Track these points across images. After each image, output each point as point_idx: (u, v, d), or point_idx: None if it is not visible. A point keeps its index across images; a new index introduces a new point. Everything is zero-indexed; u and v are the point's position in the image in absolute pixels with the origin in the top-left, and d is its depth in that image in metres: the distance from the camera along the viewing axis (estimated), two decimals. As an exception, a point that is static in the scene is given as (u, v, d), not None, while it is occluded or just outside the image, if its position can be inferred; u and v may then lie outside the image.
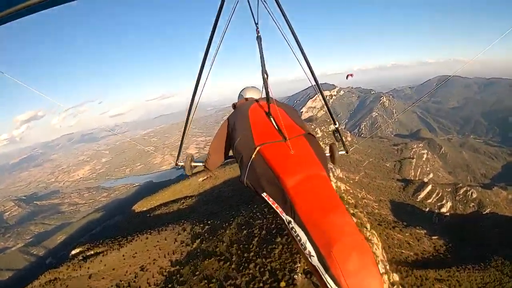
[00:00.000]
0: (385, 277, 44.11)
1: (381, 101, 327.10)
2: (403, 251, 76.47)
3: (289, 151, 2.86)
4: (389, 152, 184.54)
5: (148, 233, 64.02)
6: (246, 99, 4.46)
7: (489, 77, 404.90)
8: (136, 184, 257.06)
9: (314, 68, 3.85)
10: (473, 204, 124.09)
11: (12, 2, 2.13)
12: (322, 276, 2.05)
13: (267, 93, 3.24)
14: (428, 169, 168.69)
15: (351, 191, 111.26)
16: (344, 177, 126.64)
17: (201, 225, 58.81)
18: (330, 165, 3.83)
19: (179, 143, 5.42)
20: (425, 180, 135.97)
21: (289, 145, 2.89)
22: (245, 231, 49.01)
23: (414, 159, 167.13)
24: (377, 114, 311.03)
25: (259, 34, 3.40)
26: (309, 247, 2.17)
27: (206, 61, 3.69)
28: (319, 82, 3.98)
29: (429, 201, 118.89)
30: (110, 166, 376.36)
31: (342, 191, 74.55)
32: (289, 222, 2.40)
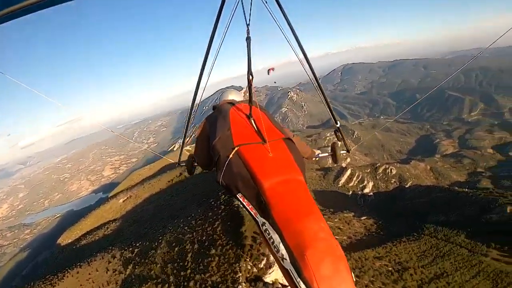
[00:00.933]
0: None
1: (289, 96, 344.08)
2: (336, 237, 71.53)
3: (268, 154, 2.95)
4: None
5: (78, 266, 59.99)
6: (227, 101, 4.40)
7: (393, 59, 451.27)
8: (58, 215, 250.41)
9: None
10: (394, 180, 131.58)
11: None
12: (294, 279, 2.14)
13: (250, 94, 3.34)
14: (344, 154, 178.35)
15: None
16: None
17: (130, 249, 55.00)
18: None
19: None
20: (344, 165, 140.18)
21: (268, 148, 2.99)
22: (176, 248, 45.46)
23: (329, 147, 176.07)
24: (286, 109, 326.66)
25: (249, 35, 3.36)
26: (282, 250, 2.28)
27: (207, 62, 3.90)
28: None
29: (351, 184, 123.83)
30: (28, 201, 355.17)
31: None
32: (263, 224, 2.55)
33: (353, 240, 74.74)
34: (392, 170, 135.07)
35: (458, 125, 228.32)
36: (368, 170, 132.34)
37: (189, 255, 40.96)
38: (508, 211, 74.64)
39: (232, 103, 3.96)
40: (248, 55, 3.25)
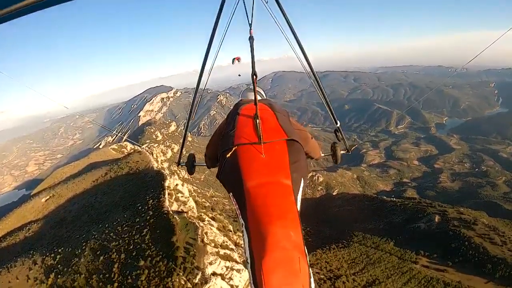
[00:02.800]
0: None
1: (218, 100, 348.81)
2: None
3: (260, 155, 2.90)
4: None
5: (-2, 272, 55.76)
6: (246, 100, 4.34)
7: (323, 70, 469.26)
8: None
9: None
10: (321, 187, 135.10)
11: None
12: (250, 284, 2.17)
13: (255, 94, 3.21)
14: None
15: (199, 190, 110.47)
16: (189, 177, 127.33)
17: (52, 255, 48.59)
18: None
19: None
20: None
21: (262, 149, 2.93)
22: (101, 257, 40.63)
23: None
24: (215, 112, 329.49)
25: (252, 35, 3.40)
26: (247, 253, 2.28)
27: (206, 62, 3.92)
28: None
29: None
30: None
31: (192, 192, 69.95)
32: (242, 225, 2.51)
33: None
34: (319, 178, 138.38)
35: (385, 136, 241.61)
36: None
37: (116, 265, 36.92)
38: (436, 220, 77.98)
39: (246, 102, 3.92)
40: (251, 55, 3.22)
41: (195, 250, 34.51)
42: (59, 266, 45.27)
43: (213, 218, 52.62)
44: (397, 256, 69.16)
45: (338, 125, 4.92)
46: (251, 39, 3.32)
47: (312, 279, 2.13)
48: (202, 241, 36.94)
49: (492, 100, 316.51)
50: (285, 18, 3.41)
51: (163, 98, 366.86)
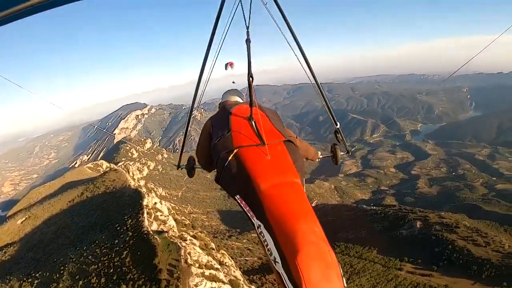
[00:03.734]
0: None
1: (193, 116, 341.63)
2: (246, 258, 76.76)
3: (266, 156, 2.94)
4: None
5: (-27, 300, 52.45)
6: (231, 102, 4.41)
7: (298, 82, 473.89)
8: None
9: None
10: None
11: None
12: (285, 283, 2.14)
13: (250, 96, 3.28)
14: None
15: (177, 207, 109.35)
16: (166, 195, 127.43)
17: (30, 280, 46.58)
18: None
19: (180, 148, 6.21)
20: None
21: (267, 150, 2.97)
22: (80, 282, 38.99)
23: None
24: (190, 128, 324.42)
25: (249, 37, 3.51)
26: (275, 253, 2.26)
27: (206, 63, 3.96)
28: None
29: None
30: None
31: (171, 210, 69.12)
32: (259, 227, 2.50)
33: (263, 261, 73.86)
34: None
35: (361, 146, 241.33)
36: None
37: (97, 291, 35.57)
38: (418, 226, 78.46)
39: (235, 104, 3.94)
40: (248, 57, 3.28)
41: (179, 272, 33.37)
42: (37, 291, 43.53)
43: (194, 237, 51.04)
44: (381, 264, 69.30)
45: (338, 126, 4.84)
46: (248, 41, 3.38)
47: (340, 268, 2.16)
48: (186, 262, 35.76)
49: (465, 105, 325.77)
50: (285, 20, 3.44)
51: (137, 115, 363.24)
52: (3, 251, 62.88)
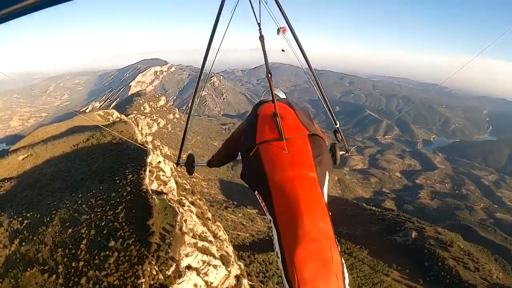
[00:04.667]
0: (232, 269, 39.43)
1: (212, 81, 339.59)
2: (239, 233, 76.76)
3: (283, 151, 2.91)
4: (217, 131, 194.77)
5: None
6: (266, 99, 4.30)
7: (321, 69, 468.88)
8: None
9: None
10: None
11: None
12: (282, 278, 2.20)
13: (272, 92, 3.24)
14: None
15: (179, 168, 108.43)
16: (171, 155, 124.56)
17: (20, 219, 46.26)
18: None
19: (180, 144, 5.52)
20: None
21: (285, 145, 2.94)
22: (70, 230, 38.01)
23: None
24: (206, 93, 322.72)
25: (261, 34, 3.38)
26: (277, 248, 2.33)
27: (206, 62, 3.90)
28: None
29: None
30: None
31: (173, 171, 68.55)
32: (270, 221, 2.56)
33: (255, 239, 74.19)
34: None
35: (371, 144, 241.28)
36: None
37: (84, 242, 34.40)
38: (413, 236, 77.69)
39: (265, 102, 3.86)
40: (264, 54, 3.26)
41: (171, 238, 32.32)
42: (25, 232, 42.93)
43: (192, 203, 49.98)
44: (370, 265, 69.01)
45: (338, 125, 4.79)
46: (261, 38, 3.27)
47: (344, 268, 2.18)
48: (181, 229, 34.55)
49: (482, 127, 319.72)
50: (284, 18, 3.40)
51: (156, 71, 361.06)
52: (-1, 185, 62.62)
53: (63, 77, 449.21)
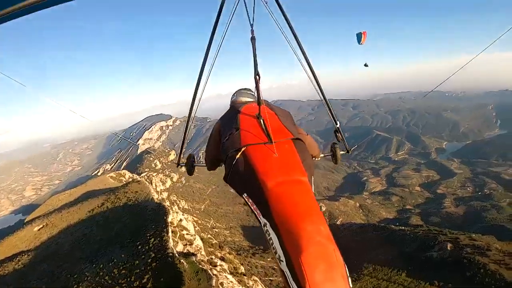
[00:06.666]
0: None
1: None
2: (271, 278, 72.65)
3: (273, 154, 2.96)
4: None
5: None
6: (241, 101, 4.43)
7: (322, 98, 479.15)
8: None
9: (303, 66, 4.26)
10: (324, 217, 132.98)
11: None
12: (289, 282, 2.18)
13: (258, 94, 3.34)
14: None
15: (199, 221, 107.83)
16: (189, 208, 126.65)
17: None
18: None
19: (180, 145, 5.93)
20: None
21: (274, 148, 3.00)
22: None
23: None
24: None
25: (253, 35, 3.50)
26: (280, 252, 2.30)
27: (206, 64, 4.06)
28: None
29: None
30: None
31: (196, 226, 67.15)
32: (265, 225, 2.53)
33: None
34: (322, 207, 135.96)
35: (385, 163, 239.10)
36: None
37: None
38: (449, 248, 74.56)
39: (244, 103, 3.98)
40: (253, 55, 3.29)
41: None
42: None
43: (222, 258, 48.42)
44: None
45: (338, 125, 5.02)
46: (253, 39, 3.34)
47: (346, 269, 2.17)
48: (218, 294, 32.24)
49: (491, 122, 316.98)
50: (285, 19, 3.45)
51: (162, 127, 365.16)
52: (17, 259, 61.56)
53: (72, 143, 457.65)
